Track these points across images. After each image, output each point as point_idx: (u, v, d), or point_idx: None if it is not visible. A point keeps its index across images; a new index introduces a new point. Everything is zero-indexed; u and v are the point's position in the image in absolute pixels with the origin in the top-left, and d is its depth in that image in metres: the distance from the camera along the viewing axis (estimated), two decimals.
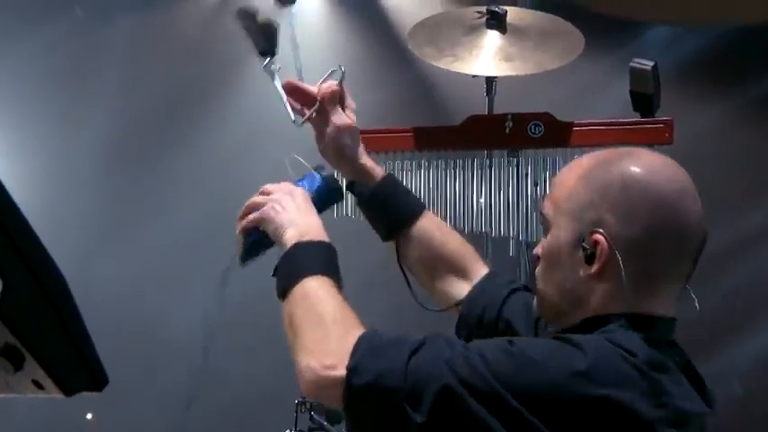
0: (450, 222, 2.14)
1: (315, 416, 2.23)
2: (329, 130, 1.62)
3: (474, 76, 2.26)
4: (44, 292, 0.91)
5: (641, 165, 1.27)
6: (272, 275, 1.42)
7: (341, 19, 5.55)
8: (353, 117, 1.66)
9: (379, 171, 1.65)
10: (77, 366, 0.96)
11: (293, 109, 1.64)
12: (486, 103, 2.27)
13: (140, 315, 4.23)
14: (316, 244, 1.43)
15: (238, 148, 4.88)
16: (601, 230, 1.22)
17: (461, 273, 1.60)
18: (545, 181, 2.13)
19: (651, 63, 2.04)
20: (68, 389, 0.96)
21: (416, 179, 2.19)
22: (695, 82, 4.40)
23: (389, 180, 1.66)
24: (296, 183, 1.60)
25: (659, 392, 1.16)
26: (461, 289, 1.58)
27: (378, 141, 2.18)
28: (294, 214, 1.49)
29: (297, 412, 2.25)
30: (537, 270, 1.32)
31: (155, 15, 5.24)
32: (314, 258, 1.41)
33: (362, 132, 2.38)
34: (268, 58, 1.69)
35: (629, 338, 1.20)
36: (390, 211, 1.61)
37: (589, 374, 1.13)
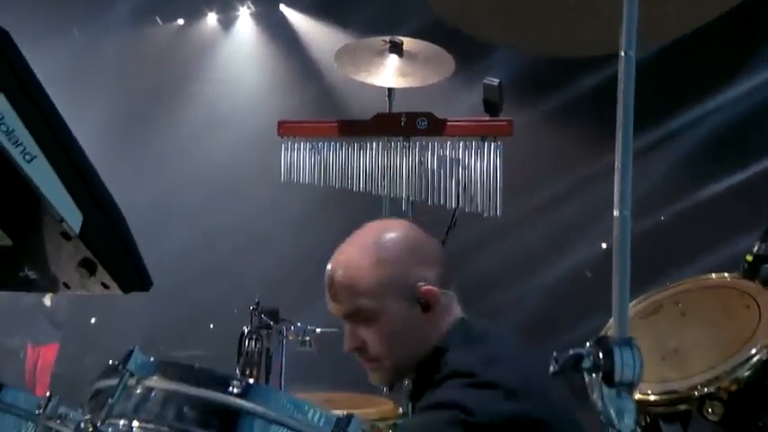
0: (358, 186, 2.22)
1: (263, 317, 2.25)
2: None
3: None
4: (110, 221, 0.95)
5: (388, 230, 1.21)
6: None
7: (269, 42, 5.57)
8: None
9: None
10: (133, 273, 0.98)
11: None
12: (387, 105, 2.33)
13: None
14: None
15: (199, 131, 5.06)
16: (423, 283, 1.17)
17: None
18: (429, 159, 2.23)
19: (497, 81, 2.10)
20: (126, 288, 0.98)
21: (338, 157, 2.26)
22: (525, 90, 4.63)
23: None
24: None
25: (492, 385, 1.07)
26: None
27: (311, 130, 2.26)
28: None
29: (251, 315, 2.28)
30: (381, 354, 1.18)
31: (134, 35, 5.22)
32: None
33: (302, 122, 2.45)
34: None
35: (462, 357, 1.12)
36: None
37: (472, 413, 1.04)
